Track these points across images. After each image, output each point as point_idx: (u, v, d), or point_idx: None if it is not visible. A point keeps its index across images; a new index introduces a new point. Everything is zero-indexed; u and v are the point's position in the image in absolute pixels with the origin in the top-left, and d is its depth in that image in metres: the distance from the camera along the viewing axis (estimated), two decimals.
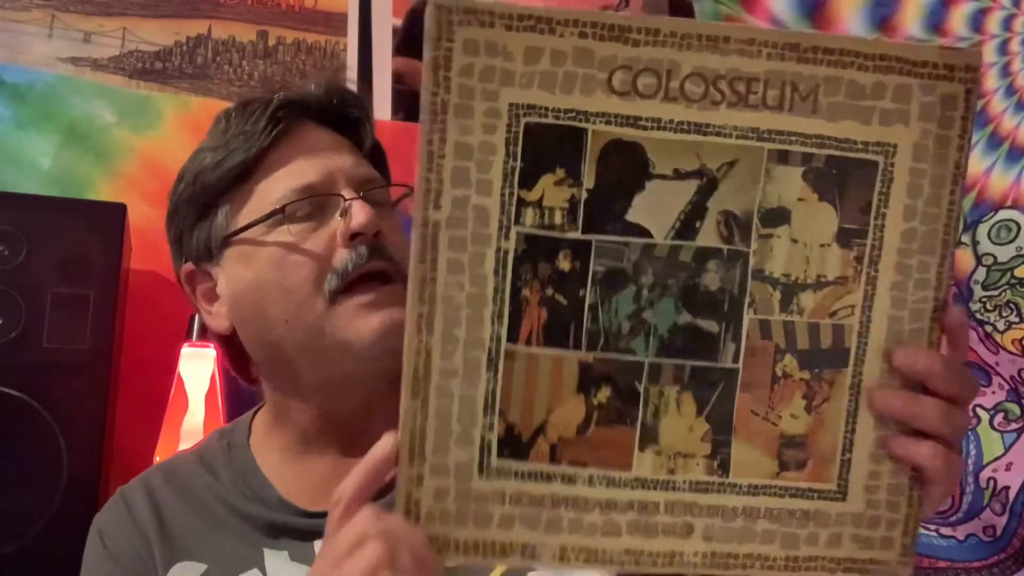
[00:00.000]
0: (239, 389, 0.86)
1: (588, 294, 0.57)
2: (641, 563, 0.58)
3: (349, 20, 1.93)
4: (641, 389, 0.58)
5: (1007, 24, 1.06)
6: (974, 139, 1.09)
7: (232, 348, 0.89)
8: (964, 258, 1.11)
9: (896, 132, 0.58)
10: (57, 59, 1.73)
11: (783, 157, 0.58)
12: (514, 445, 0.57)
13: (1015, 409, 1.01)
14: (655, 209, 0.57)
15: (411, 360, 0.56)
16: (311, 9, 1.92)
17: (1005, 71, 1.05)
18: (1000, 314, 1.01)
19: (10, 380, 1.29)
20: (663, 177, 0.57)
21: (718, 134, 0.57)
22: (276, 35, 1.88)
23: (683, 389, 0.58)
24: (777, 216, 0.58)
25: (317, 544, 0.80)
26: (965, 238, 1.12)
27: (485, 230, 0.56)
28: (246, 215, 0.83)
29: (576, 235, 0.56)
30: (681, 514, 0.58)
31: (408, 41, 1.95)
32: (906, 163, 0.58)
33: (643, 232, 0.57)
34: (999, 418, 1.02)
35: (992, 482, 1.03)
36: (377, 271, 0.81)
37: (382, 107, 1.84)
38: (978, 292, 1.02)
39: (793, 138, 0.58)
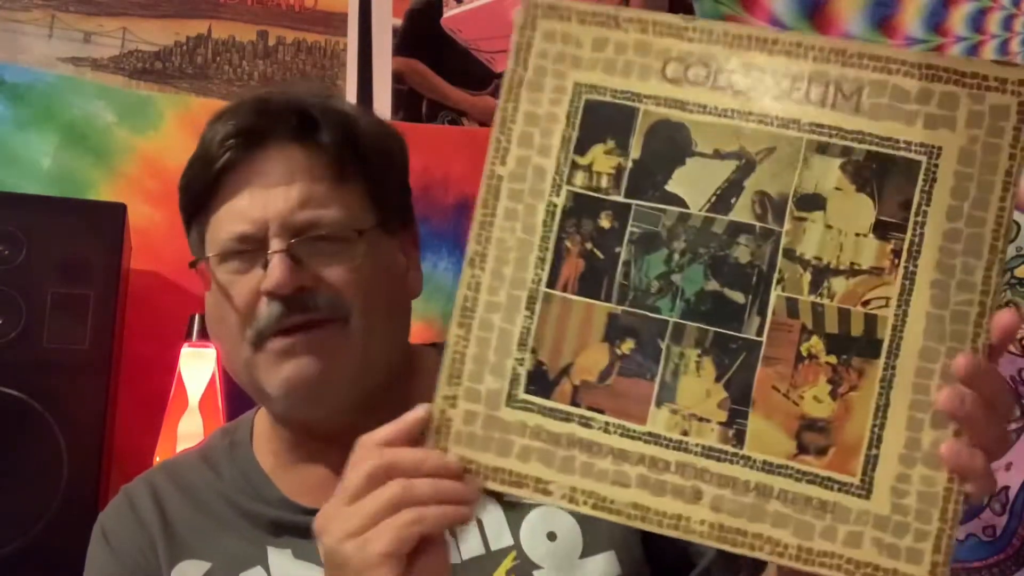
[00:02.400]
0: (239, 389, 0.86)
1: (623, 251, 0.62)
2: (648, 520, 0.59)
3: (349, 20, 1.93)
4: (663, 347, 0.60)
5: (1007, 24, 1.05)
6: None
7: None
8: None
9: (941, 135, 0.60)
10: (57, 59, 1.73)
11: (822, 148, 0.61)
12: (541, 382, 0.61)
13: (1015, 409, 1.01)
14: (693, 183, 0.62)
15: (462, 292, 0.63)
16: (311, 9, 1.91)
17: None
18: None
19: (10, 380, 1.29)
20: (703, 155, 0.62)
21: (759, 122, 0.61)
22: (276, 35, 1.88)
23: (704, 353, 0.60)
24: (812, 201, 0.60)
25: None
26: None
27: (540, 185, 0.63)
28: (206, 241, 0.84)
29: (619, 198, 0.62)
30: (691, 477, 0.59)
31: (408, 41, 1.95)
32: (951, 166, 0.60)
33: (680, 202, 0.61)
34: None
35: None
36: (294, 327, 0.78)
37: (382, 107, 1.84)
38: None
39: (833, 132, 0.61)
